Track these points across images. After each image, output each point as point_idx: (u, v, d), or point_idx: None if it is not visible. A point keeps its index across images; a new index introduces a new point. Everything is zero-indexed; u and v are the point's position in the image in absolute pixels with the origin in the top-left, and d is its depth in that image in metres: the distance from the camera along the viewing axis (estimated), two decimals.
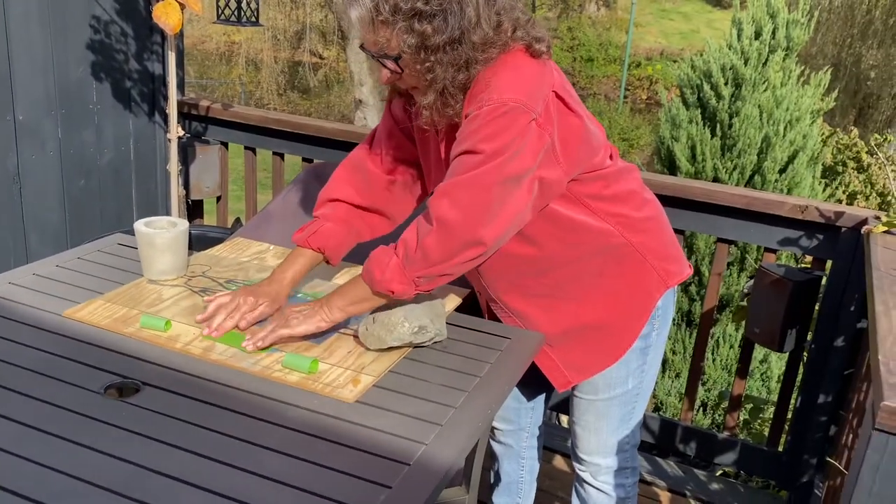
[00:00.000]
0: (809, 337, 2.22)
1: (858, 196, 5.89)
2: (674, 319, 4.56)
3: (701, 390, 4.53)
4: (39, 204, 2.71)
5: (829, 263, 2.15)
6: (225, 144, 3.10)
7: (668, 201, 2.12)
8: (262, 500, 0.99)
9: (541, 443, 1.90)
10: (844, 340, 2.09)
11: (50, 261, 1.67)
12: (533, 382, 1.73)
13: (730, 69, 4.63)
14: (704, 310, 2.40)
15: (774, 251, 2.27)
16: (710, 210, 2.23)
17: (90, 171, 2.86)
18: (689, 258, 4.57)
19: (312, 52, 18.02)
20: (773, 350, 2.18)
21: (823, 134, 5.91)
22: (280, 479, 1.03)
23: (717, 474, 2.78)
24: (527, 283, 1.49)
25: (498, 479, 1.94)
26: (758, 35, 4.65)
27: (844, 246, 2.07)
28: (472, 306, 1.63)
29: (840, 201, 5.74)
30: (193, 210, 3.20)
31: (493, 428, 1.86)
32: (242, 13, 2.91)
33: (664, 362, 4.57)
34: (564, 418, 3.27)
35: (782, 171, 4.58)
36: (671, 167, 4.81)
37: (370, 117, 11.81)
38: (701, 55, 4.82)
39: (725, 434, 2.42)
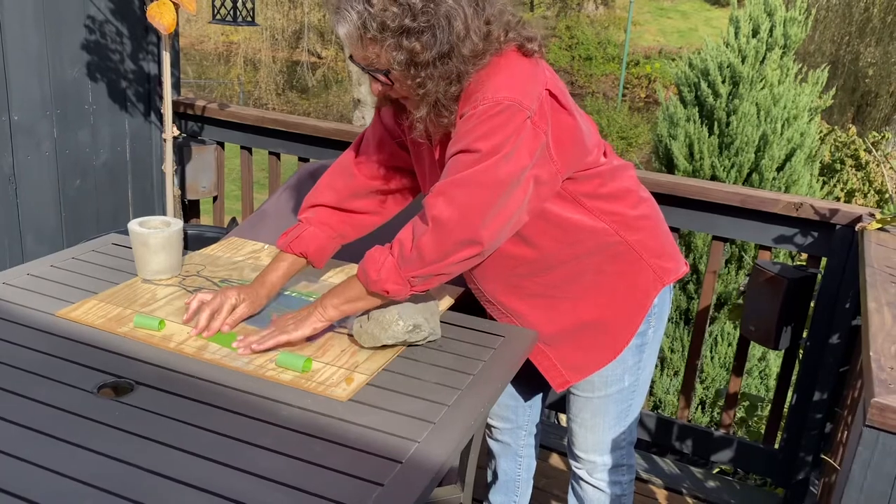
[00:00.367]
0: (805, 334, 2.22)
1: (856, 193, 5.90)
2: (672, 318, 4.56)
3: (700, 388, 4.54)
4: (35, 204, 2.71)
5: (823, 261, 2.15)
6: (221, 144, 3.10)
7: (663, 199, 2.12)
8: (255, 499, 0.99)
9: (538, 441, 1.90)
10: (840, 337, 2.09)
11: (44, 261, 1.67)
12: (531, 381, 1.73)
13: (727, 67, 4.63)
14: (700, 308, 2.41)
15: (769, 249, 2.27)
16: (704, 208, 2.24)
17: (86, 172, 2.86)
18: (687, 256, 4.57)
19: (311, 51, 18.03)
20: (768, 347, 2.18)
21: (821, 132, 5.92)
22: (273, 477, 1.03)
23: (714, 472, 2.79)
24: (523, 283, 1.50)
25: (495, 477, 1.94)
26: (755, 33, 4.65)
27: (839, 243, 2.07)
28: (467, 304, 1.63)
29: (838, 199, 5.75)
30: (190, 210, 3.20)
31: (490, 426, 1.87)
32: (238, 13, 2.91)
33: (662, 360, 4.57)
34: (563, 417, 3.28)
35: (780, 168, 4.58)
36: (669, 165, 4.81)
37: (368, 117, 11.81)
38: (698, 53, 4.82)
39: (722, 432, 2.42)
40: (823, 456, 2.11)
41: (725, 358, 4.52)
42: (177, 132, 2.64)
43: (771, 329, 2.13)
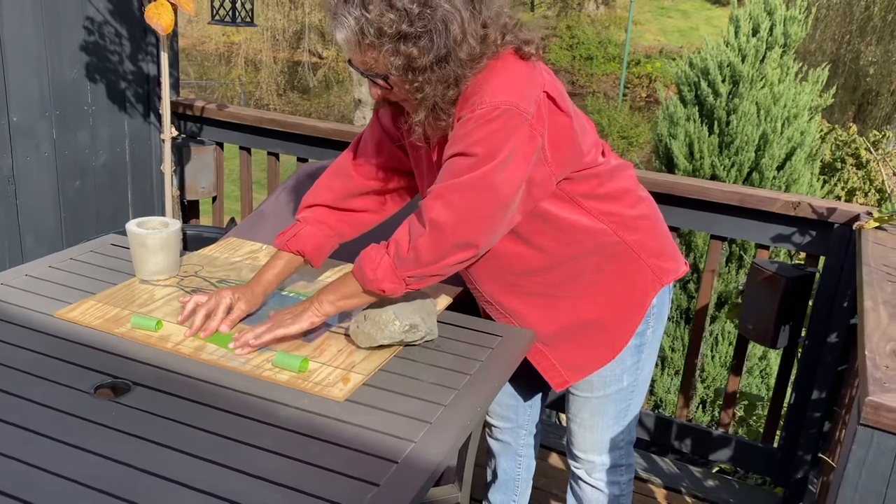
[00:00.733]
0: (803, 333, 2.22)
1: (857, 192, 5.89)
2: (673, 317, 4.56)
3: (700, 387, 4.53)
4: (34, 205, 2.71)
5: (822, 259, 2.15)
6: (220, 145, 3.10)
7: (662, 199, 2.12)
8: (251, 499, 0.99)
9: (538, 441, 1.91)
10: (838, 336, 2.09)
11: (43, 262, 1.68)
12: (531, 380, 1.73)
13: (727, 66, 4.63)
14: (698, 307, 2.41)
15: (767, 248, 2.27)
16: (703, 207, 2.24)
17: (85, 173, 2.87)
18: (687, 256, 4.57)
19: (312, 51, 18.03)
20: (766, 346, 2.18)
21: (822, 130, 5.91)
22: (269, 477, 1.03)
23: (714, 471, 2.79)
24: (521, 282, 1.50)
25: (495, 476, 1.94)
26: (755, 32, 4.65)
27: (837, 242, 2.07)
28: (465, 304, 1.64)
29: (839, 198, 5.74)
30: (189, 210, 3.21)
31: (490, 425, 1.87)
32: (237, 13, 2.91)
33: (663, 360, 4.57)
34: (563, 416, 3.28)
35: (780, 167, 4.57)
36: (669, 165, 4.81)
37: (370, 117, 11.81)
38: (698, 53, 4.81)
39: (721, 431, 2.42)
40: (821, 455, 2.11)
41: (726, 357, 4.51)
42: (175, 133, 2.65)
43: (769, 328, 2.13)
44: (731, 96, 4.63)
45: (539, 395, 1.84)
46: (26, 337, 1.35)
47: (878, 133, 6.34)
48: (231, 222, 2.96)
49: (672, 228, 2.23)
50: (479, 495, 2.07)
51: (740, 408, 3.34)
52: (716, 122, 4.64)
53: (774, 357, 4.50)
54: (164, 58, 2.41)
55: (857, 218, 2.01)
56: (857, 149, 6.08)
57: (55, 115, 2.71)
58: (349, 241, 1.61)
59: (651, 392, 4.58)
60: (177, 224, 1.61)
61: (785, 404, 2.37)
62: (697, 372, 4.51)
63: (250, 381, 1.26)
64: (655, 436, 2.48)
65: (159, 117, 2.98)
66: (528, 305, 1.52)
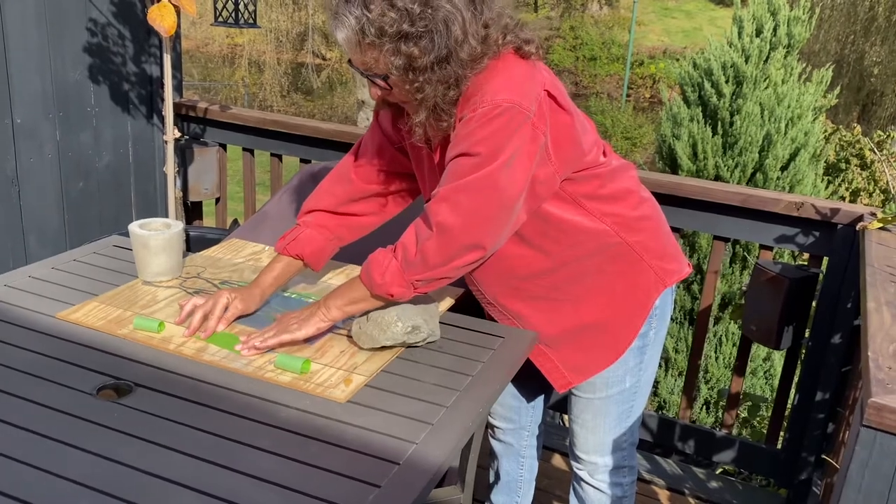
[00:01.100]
0: (807, 334, 2.21)
1: (861, 193, 5.87)
2: (677, 318, 4.55)
3: (704, 389, 4.52)
4: (38, 206, 2.72)
5: (825, 260, 2.15)
6: (223, 146, 3.10)
7: (665, 199, 2.11)
8: (253, 500, 0.99)
9: (540, 442, 1.90)
10: (841, 337, 2.08)
11: (46, 263, 1.68)
12: (533, 381, 1.73)
13: (731, 67, 4.62)
14: (701, 308, 2.40)
15: (771, 248, 2.26)
16: (705, 208, 2.23)
17: (88, 174, 2.87)
18: (691, 257, 4.56)
19: (315, 53, 18.05)
20: (769, 347, 2.18)
21: (826, 131, 5.90)
22: (271, 479, 1.03)
23: (717, 472, 2.78)
24: (523, 285, 1.50)
25: (497, 477, 1.94)
26: (759, 32, 4.64)
27: (840, 243, 2.06)
28: (467, 305, 1.64)
29: (843, 198, 5.73)
30: (193, 212, 3.21)
31: (493, 426, 1.87)
32: (240, 15, 2.92)
33: (667, 361, 4.56)
34: (566, 417, 3.27)
35: (784, 168, 4.56)
36: (673, 166, 4.80)
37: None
38: (702, 53, 4.81)
39: (724, 432, 2.42)
40: (825, 456, 2.10)
41: (730, 358, 4.50)
42: (178, 134, 2.65)
43: (772, 329, 2.13)
44: (734, 97, 4.62)
45: (542, 397, 1.84)
46: (29, 338, 1.36)
47: (882, 133, 6.32)
48: (234, 223, 2.96)
49: (675, 229, 2.22)
50: (481, 496, 2.07)
51: (744, 409, 3.33)
52: (719, 123, 4.63)
53: (778, 358, 4.49)
54: (167, 59, 2.41)
55: (860, 218, 2.01)
56: (861, 149, 6.06)
57: (58, 117, 2.72)
58: (350, 243, 1.61)
59: (654, 393, 4.57)
60: (179, 225, 1.61)
61: (788, 405, 2.36)
62: (701, 373, 4.50)
63: (252, 382, 1.26)
64: (659, 437, 2.48)
65: (162, 119, 2.99)
66: (530, 308, 1.52)
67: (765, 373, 4.55)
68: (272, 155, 2.98)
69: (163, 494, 0.99)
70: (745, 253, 4.46)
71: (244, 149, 3.05)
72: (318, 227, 1.55)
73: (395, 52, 1.23)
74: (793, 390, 2.32)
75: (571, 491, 1.77)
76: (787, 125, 4.52)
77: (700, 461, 2.88)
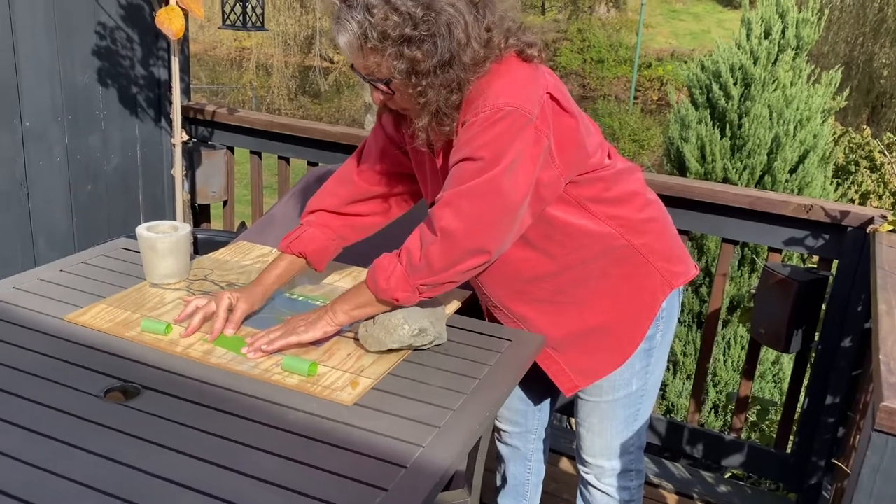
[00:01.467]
0: (816, 337, 2.20)
1: (871, 195, 5.84)
2: (685, 321, 4.54)
3: (713, 392, 4.50)
4: (47, 209, 2.73)
5: (835, 263, 2.13)
6: (231, 149, 3.11)
7: (672, 202, 2.11)
8: (259, 503, 0.99)
9: (547, 445, 1.90)
10: (852, 341, 2.07)
11: (54, 265, 1.69)
12: (540, 384, 1.72)
13: (739, 69, 4.61)
14: (710, 311, 2.39)
15: (780, 251, 2.25)
16: (713, 210, 2.22)
17: (97, 177, 2.88)
18: (699, 259, 4.54)
19: (323, 56, 18.11)
20: (778, 351, 2.16)
21: (835, 133, 5.87)
22: (278, 482, 1.03)
23: (726, 476, 2.77)
24: (529, 288, 1.49)
25: (504, 481, 1.93)
26: (767, 34, 4.62)
27: (850, 245, 2.05)
28: (474, 308, 1.63)
29: (853, 201, 5.70)
30: (201, 214, 3.22)
31: (500, 430, 1.86)
32: (248, 18, 2.92)
33: (675, 364, 4.55)
34: (573, 421, 3.26)
35: (793, 171, 4.54)
36: (681, 168, 4.79)
37: None
38: (710, 55, 4.79)
39: (733, 436, 2.41)
40: (835, 461, 2.09)
41: (738, 361, 4.48)
42: (186, 137, 2.65)
43: (781, 332, 2.11)
44: (742, 99, 4.61)
45: (548, 400, 1.83)
46: (37, 340, 1.36)
47: (892, 136, 6.29)
48: (241, 226, 2.97)
49: (683, 232, 2.21)
50: (488, 500, 2.06)
51: (753, 413, 3.32)
52: (728, 125, 4.62)
53: (787, 361, 4.47)
54: (175, 62, 2.42)
55: (870, 221, 1.99)
56: (870, 151, 6.04)
57: (67, 120, 2.73)
58: (355, 244, 1.61)
59: (663, 396, 4.56)
60: (187, 228, 1.61)
61: (798, 409, 2.34)
62: (709, 376, 4.48)
63: (259, 384, 1.26)
64: (667, 441, 2.47)
65: (170, 122, 3.00)
66: (535, 311, 1.51)
67: (774, 376, 4.53)
68: (280, 158, 2.99)
69: (170, 496, 0.99)
70: (754, 256, 4.44)
71: (252, 152, 3.06)
72: (321, 226, 1.55)
73: (397, 56, 1.22)
74: (802, 394, 2.31)
75: (579, 495, 1.76)
76: (795, 127, 4.50)
77: (709, 465, 2.86)
